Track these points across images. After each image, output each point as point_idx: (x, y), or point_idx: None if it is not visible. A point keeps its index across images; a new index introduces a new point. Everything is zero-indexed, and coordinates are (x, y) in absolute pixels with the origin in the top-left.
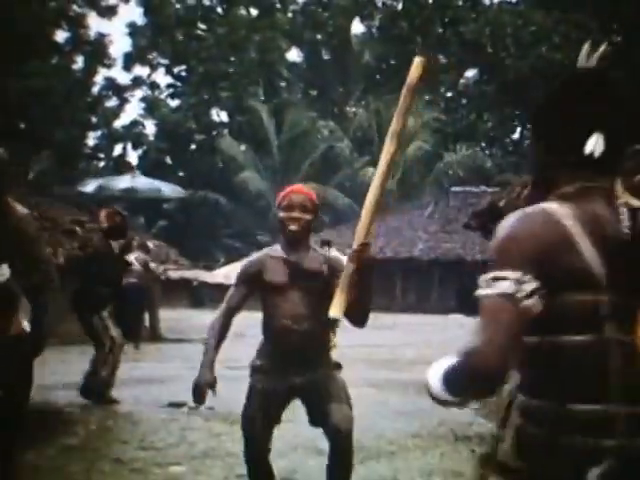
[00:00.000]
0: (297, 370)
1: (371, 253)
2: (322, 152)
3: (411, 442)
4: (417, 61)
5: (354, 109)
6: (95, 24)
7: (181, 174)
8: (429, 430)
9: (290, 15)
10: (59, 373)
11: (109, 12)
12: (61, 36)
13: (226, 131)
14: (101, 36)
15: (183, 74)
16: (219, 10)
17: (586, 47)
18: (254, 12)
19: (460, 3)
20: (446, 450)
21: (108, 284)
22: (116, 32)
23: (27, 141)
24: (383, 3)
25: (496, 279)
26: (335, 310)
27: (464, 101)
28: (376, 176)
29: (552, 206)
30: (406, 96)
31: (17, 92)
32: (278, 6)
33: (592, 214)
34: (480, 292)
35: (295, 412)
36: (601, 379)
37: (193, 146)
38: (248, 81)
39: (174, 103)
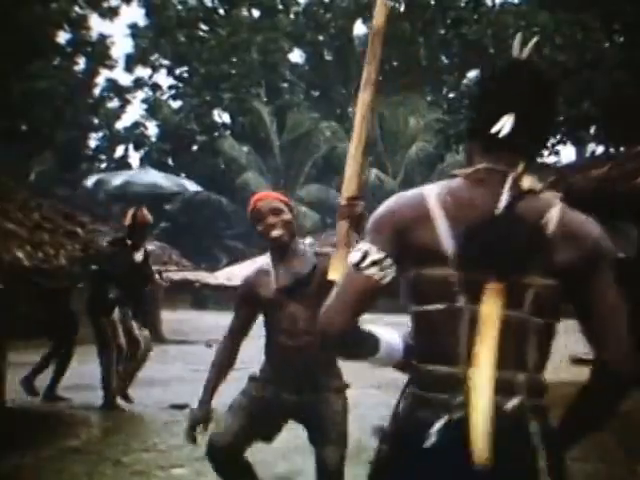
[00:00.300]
0: (293, 389)
1: (363, 209)
2: (324, 153)
3: None
4: (380, 2)
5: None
6: (97, 25)
7: (183, 175)
8: None
9: (292, 16)
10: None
11: (111, 13)
12: (63, 37)
13: (228, 132)
14: (103, 37)
15: (185, 75)
16: (221, 11)
17: (518, 38)
18: (256, 13)
19: (462, 4)
20: None
21: (120, 287)
22: (118, 33)
23: (29, 142)
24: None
25: (355, 250)
26: (334, 273)
27: (466, 102)
28: (356, 125)
29: (428, 188)
30: (374, 42)
31: (19, 93)
32: (280, 7)
33: (463, 196)
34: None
35: None
36: (453, 344)
37: (195, 147)
38: (250, 82)
39: (176, 104)
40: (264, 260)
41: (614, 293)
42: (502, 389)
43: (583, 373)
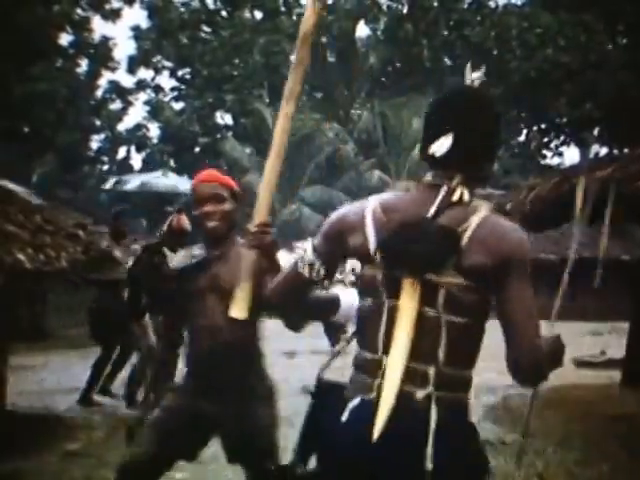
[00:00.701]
0: (213, 398)
1: (272, 236)
2: (327, 155)
3: None
4: (310, 5)
5: (359, 112)
6: (99, 27)
7: (185, 177)
8: None
9: (295, 18)
10: (61, 378)
11: (113, 15)
12: (65, 39)
13: (230, 134)
14: (105, 39)
15: (187, 77)
16: (223, 13)
17: (468, 67)
18: (258, 15)
19: (465, 6)
20: None
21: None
22: (120, 35)
23: (30, 144)
24: (388, 6)
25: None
26: (236, 309)
27: None
28: (275, 139)
29: (373, 197)
30: (301, 48)
31: (21, 95)
32: (282, 9)
33: (397, 205)
34: None
35: (301, 415)
36: (375, 334)
37: (197, 149)
38: (252, 84)
39: (178, 106)
40: (198, 251)
41: (527, 296)
42: (415, 379)
43: (588, 376)
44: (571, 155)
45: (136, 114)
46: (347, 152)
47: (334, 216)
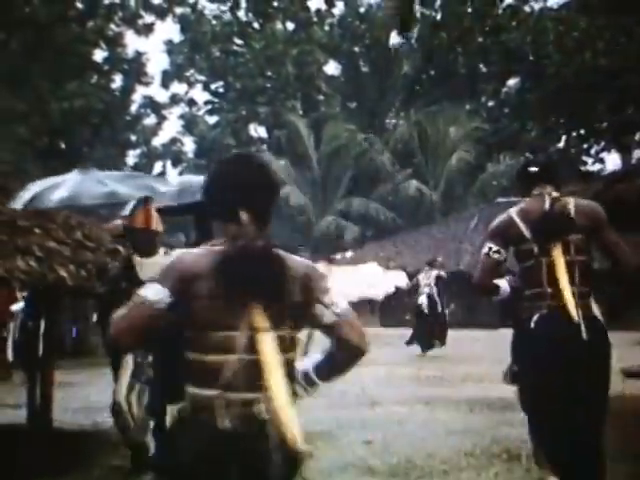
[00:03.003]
0: None
1: None
2: (362, 165)
3: (465, 461)
4: None
5: (394, 121)
6: (132, 42)
7: None
8: (482, 448)
9: (327, 28)
10: (106, 393)
11: (146, 30)
12: (99, 55)
13: (265, 146)
14: (139, 54)
15: (220, 90)
16: (255, 25)
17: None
18: (290, 26)
19: (500, 11)
20: (500, 469)
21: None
22: (153, 50)
23: (68, 160)
24: (421, 14)
25: None
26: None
27: (506, 110)
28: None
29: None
30: None
31: (57, 112)
32: (315, 19)
33: (529, 207)
34: None
35: (343, 426)
36: (540, 277)
37: None
38: (286, 95)
39: (212, 120)
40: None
41: (615, 236)
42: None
43: (636, 386)
44: (612, 161)
45: (171, 128)
46: (383, 162)
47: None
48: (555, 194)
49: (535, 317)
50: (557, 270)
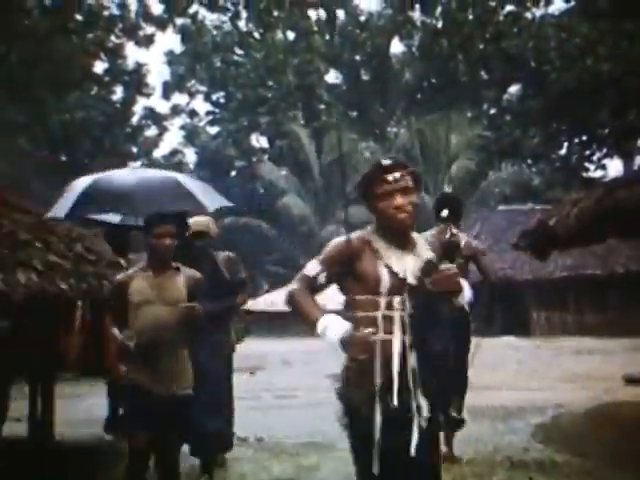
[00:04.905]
0: None
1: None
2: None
3: (466, 469)
4: None
5: (395, 129)
6: (133, 53)
7: None
8: (484, 456)
9: (327, 37)
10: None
11: (147, 41)
12: (100, 67)
13: (266, 156)
14: (139, 65)
15: (221, 101)
16: (256, 35)
17: None
18: (291, 35)
19: (501, 18)
20: (503, 477)
21: None
22: (154, 61)
23: (69, 173)
24: (422, 22)
25: None
26: None
27: (508, 117)
28: None
29: None
30: None
31: (58, 124)
32: (315, 29)
33: None
34: None
35: (343, 436)
36: None
37: (233, 173)
38: (287, 105)
39: (213, 130)
40: None
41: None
42: None
43: (638, 393)
44: (615, 167)
45: (172, 139)
46: None
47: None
48: (454, 230)
49: None
50: None
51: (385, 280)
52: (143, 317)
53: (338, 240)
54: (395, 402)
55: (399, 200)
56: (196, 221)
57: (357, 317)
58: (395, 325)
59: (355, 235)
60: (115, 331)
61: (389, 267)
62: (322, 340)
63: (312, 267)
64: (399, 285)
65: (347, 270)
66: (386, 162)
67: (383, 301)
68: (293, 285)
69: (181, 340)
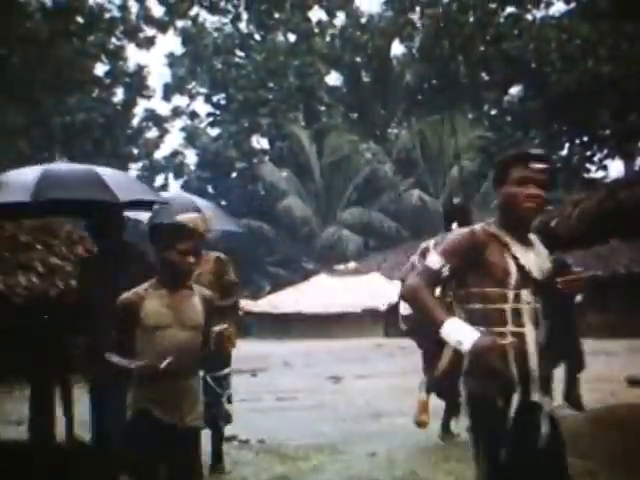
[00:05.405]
0: None
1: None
2: (365, 175)
3: (469, 472)
4: None
5: (396, 131)
6: (133, 56)
7: (223, 203)
8: None
9: (328, 39)
10: None
11: (147, 43)
12: (100, 69)
13: (267, 158)
14: (140, 68)
15: (222, 102)
16: (257, 37)
17: None
18: (292, 37)
19: (502, 20)
20: None
21: None
22: (155, 63)
23: None
24: (423, 23)
25: None
26: None
27: (509, 119)
28: None
29: None
30: None
31: (59, 127)
32: (316, 30)
33: None
34: None
35: (347, 439)
36: None
37: (234, 174)
38: (288, 107)
39: (214, 132)
40: None
41: None
42: None
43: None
44: (616, 168)
45: (172, 141)
46: (385, 172)
47: None
48: None
49: None
50: None
51: (514, 273)
52: (159, 342)
53: (460, 232)
54: (532, 395)
55: (533, 190)
56: (183, 218)
57: (482, 310)
58: (526, 318)
59: (478, 227)
60: (114, 358)
61: (516, 260)
62: (447, 340)
63: (434, 260)
64: (525, 279)
65: (472, 262)
66: (533, 151)
67: (511, 294)
68: (413, 279)
69: (199, 367)
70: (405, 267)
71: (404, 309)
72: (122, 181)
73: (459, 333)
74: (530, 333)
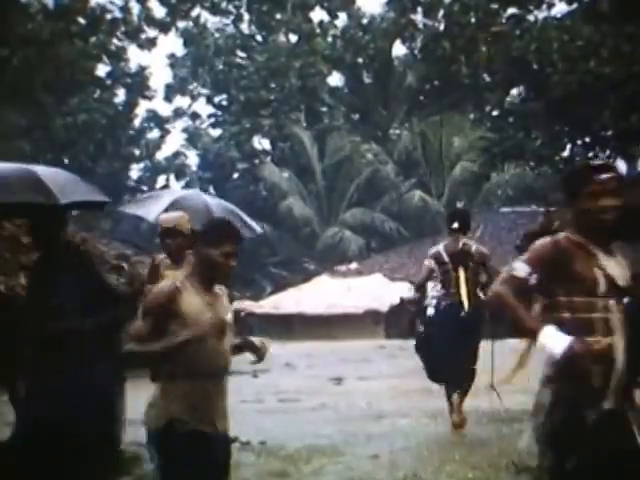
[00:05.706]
0: None
1: None
2: (367, 176)
3: (471, 474)
4: None
5: (398, 131)
6: (135, 57)
7: None
8: (490, 461)
9: (330, 39)
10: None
11: (149, 44)
12: (102, 70)
13: (269, 158)
14: (142, 69)
15: (224, 103)
16: (258, 38)
17: None
18: (293, 38)
19: (503, 21)
20: None
21: None
22: (156, 64)
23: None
24: (424, 24)
25: None
26: None
27: (511, 119)
28: None
29: None
30: None
31: (61, 127)
32: (317, 31)
33: None
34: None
35: (349, 440)
36: None
37: (236, 175)
38: (289, 108)
39: (216, 133)
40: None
41: None
42: None
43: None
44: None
45: (174, 142)
46: (387, 173)
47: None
48: (464, 239)
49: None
50: (460, 280)
51: (602, 283)
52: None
53: (544, 241)
54: (612, 403)
55: (605, 201)
56: (165, 217)
57: (570, 319)
58: (614, 327)
59: (561, 236)
60: (137, 347)
61: (603, 269)
62: (541, 349)
63: (520, 268)
64: (612, 288)
65: (559, 271)
66: (595, 163)
67: (600, 303)
68: (499, 286)
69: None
70: (422, 273)
71: None
72: (64, 182)
73: (552, 339)
74: (618, 342)
